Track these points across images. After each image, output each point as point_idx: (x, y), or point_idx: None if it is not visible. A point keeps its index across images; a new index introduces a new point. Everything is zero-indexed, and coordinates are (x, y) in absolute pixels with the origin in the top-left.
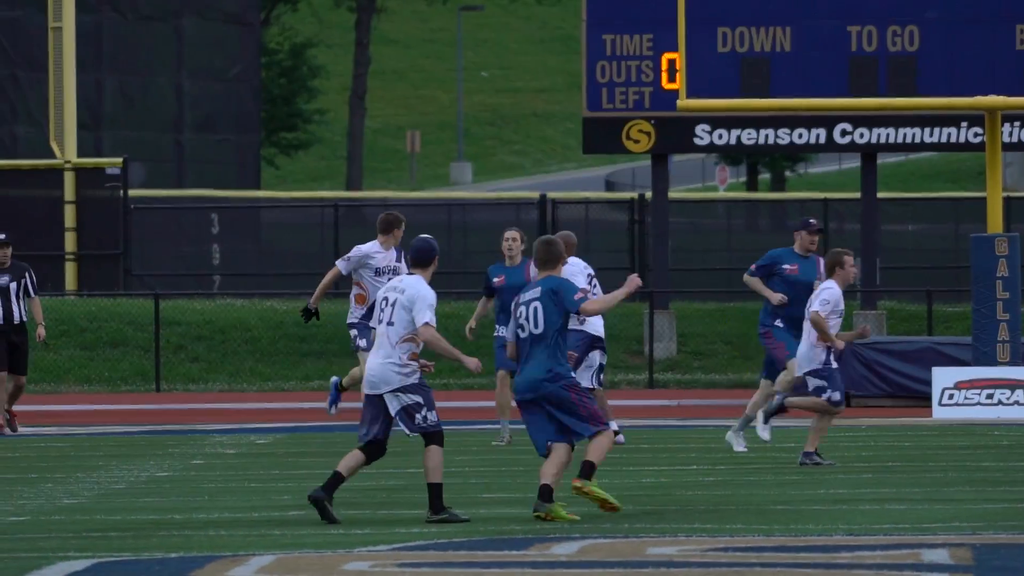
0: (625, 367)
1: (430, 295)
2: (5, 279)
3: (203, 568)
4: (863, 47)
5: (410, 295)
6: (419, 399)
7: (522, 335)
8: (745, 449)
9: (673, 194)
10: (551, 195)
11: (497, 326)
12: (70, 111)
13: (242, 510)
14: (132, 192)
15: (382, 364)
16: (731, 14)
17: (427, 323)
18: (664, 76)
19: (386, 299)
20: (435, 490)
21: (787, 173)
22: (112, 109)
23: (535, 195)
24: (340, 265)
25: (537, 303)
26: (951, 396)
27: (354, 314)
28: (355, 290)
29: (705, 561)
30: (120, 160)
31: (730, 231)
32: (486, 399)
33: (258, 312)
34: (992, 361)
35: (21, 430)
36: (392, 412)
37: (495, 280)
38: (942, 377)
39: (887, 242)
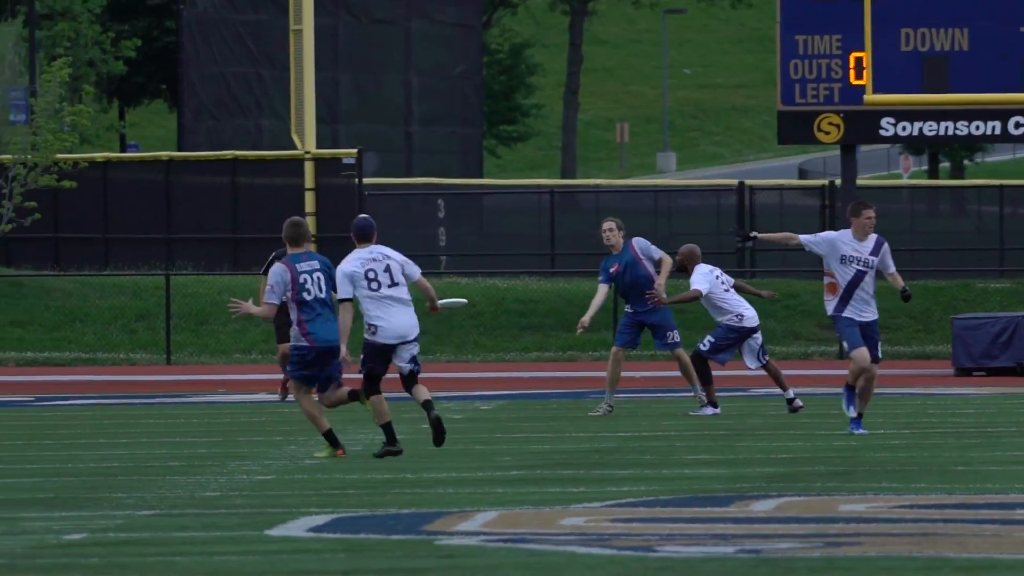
0: (817, 340)
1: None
2: None
3: (433, 523)
4: None
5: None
6: None
7: (309, 297)
8: None
9: (860, 181)
10: (748, 182)
11: (627, 305)
12: (309, 106)
13: (467, 470)
14: (366, 180)
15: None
16: (913, 16)
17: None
18: (852, 73)
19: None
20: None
21: (965, 162)
22: (347, 104)
23: (734, 182)
24: (804, 238)
25: (319, 273)
26: None
27: (829, 304)
28: (826, 279)
29: (892, 517)
30: (355, 151)
31: (913, 215)
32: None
33: (481, 290)
34: None
35: (265, 397)
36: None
37: (611, 270)
38: None
39: None
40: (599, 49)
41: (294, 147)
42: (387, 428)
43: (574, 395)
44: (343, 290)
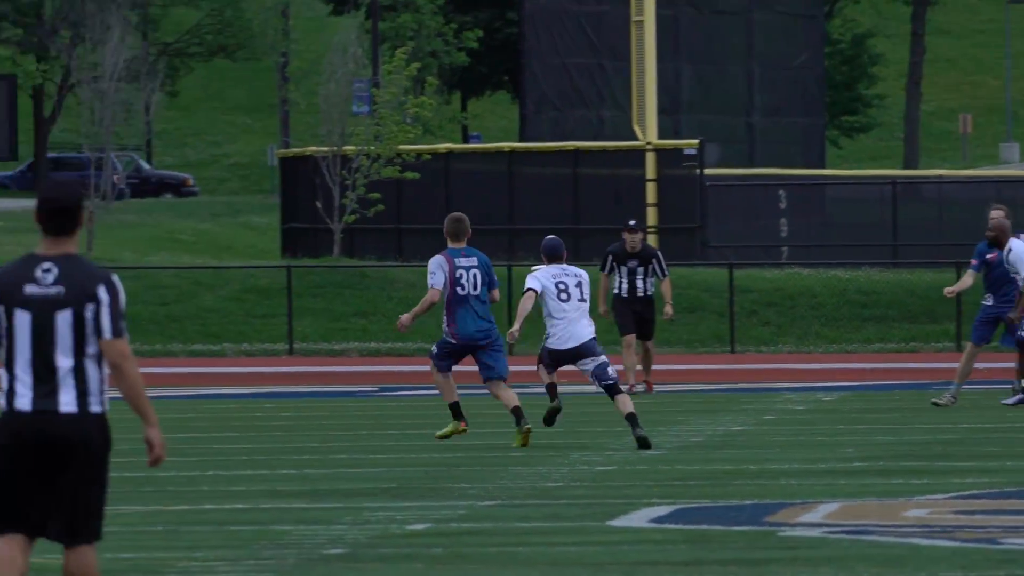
0: None
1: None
2: (634, 263)
3: (775, 514)
4: None
5: None
6: None
7: (461, 293)
8: None
9: None
10: None
11: (986, 294)
12: (651, 97)
13: (810, 461)
14: (707, 171)
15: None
16: None
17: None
18: None
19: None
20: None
21: None
22: (689, 95)
23: None
24: None
25: (476, 271)
26: None
27: None
28: None
29: None
30: (696, 142)
31: None
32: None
33: (823, 280)
34: None
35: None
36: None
37: (988, 256)
38: None
39: None
40: (942, 39)
41: (635, 138)
42: (550, 417)
43: (917, 386)
44: (531, 283)
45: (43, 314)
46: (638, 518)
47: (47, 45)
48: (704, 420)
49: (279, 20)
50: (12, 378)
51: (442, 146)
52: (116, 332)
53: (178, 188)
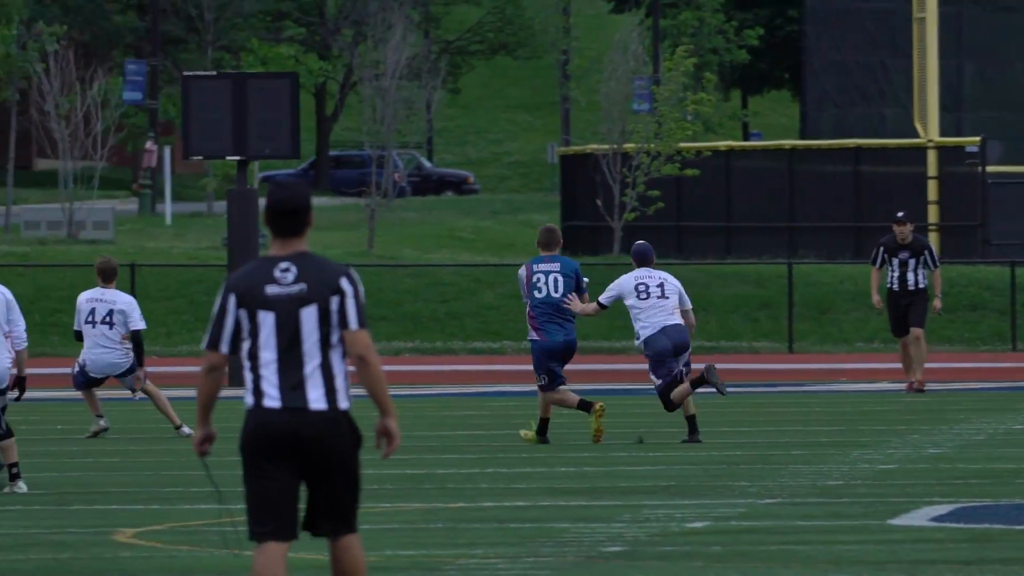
0: None
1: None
2: (905, 255)
3: None
4: None
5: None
6: None
7: (539, 296)
8: None
9: None
10: None
11: None
12: (932, 94)
13: None
14: (989, 168)
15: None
16: None
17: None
18: None
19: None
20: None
21: None
22: (971, 92)
23: None
24: None
25: (558, 275)
26: None
27: None
28: None
29: None
30: (978, 139)
31: None
32: None
33: None
34: None
35: (887, 386)
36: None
37: None
38: None
39: None
40: None
41: (917, 135)
42: (691, 419)
43: None
44: (605, 296)
45: (287, 312)
46: (919, 517)
47: (329, 44)
48: (986, 418)
49: (560, 18)
50: (257, 377)
51: (722, 143)
52: (362, 323)
53: (459, 186)
